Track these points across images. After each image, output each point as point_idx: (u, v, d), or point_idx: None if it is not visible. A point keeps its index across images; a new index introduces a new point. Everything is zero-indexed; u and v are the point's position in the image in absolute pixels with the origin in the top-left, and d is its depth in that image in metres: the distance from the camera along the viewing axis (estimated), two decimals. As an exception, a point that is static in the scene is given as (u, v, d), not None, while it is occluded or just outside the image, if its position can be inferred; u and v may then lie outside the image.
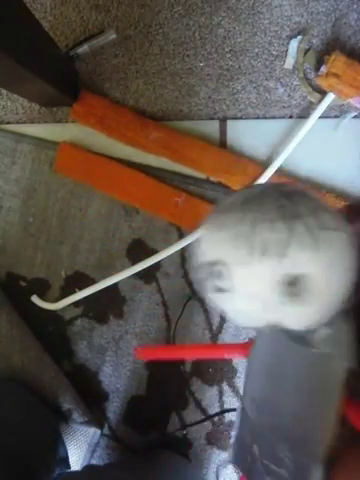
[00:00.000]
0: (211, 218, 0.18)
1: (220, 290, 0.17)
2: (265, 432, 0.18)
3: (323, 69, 0.50)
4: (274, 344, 0.18)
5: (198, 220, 0.54)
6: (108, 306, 0.58)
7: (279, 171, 0.53)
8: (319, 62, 0.52)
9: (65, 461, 0.51)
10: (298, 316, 0.16)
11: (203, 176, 0.56)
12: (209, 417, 0.54)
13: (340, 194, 0.53)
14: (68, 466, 0.52)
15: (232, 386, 0.56)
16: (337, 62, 0.49)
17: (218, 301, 0.18)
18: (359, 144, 0.53)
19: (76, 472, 0.50)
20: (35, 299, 0.58)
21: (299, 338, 0.17)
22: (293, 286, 0.15)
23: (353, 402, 0.17)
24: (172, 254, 0.55)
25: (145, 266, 0.55)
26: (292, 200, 0.16)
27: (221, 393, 0.56)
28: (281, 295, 0.16)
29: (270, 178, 0.52)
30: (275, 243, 0.15)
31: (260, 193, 0.17)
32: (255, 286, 0.16)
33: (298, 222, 0.15)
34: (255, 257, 0.15)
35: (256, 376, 0.19)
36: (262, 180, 0.52)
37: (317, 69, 0.52)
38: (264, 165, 0.53)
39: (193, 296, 0.56)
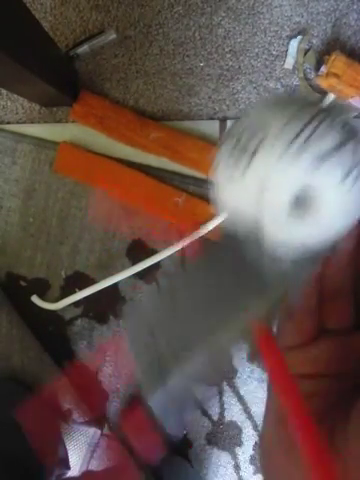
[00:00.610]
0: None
1: (237, 162, 0.15)
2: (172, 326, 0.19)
3: (323, 69, 0.50)
4: (228, 255, 0.18)
5: (198, 220, 0.54)
6: (108, 306, 0.58)
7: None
8: (319, 62, 0.52)
9: (65, 461, 0.51)
10: (286, 232, 0.15)
11: (203, 176, 0.56)
12: None
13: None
14: (68, 466, 0.52)
15: (232, 386, 0.56)
16: (337, 62, 0.49)
17: (228, 177, 0.16)
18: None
19: (75, 478, 0.50)
20: (35, 299, 0.58)
21: (259, 259, 0.17)
22: (301, 200, 0.14)
23: (266, 336, 0.18)
24: (172, 254, 0.55)
25: (145, 266, 0.55)
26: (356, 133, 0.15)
27: (221, 393, 0.56)
28: (286, 202, 0.15)
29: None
30: (318, 146, 0.14)
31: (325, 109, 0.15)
32: (271, 174, 0.15)
33: (351, 146, 0.14)
34: (293, 145, 0.14)
35: (190, 273, 0.19)
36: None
37: (317, 69, 0.52)
38: (264, 165, 0.53)
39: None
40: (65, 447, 0.52)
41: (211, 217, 0.54)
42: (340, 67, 0.49)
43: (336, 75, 0.49)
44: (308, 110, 0.15)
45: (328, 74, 0.50)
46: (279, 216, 0.15)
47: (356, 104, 0.51)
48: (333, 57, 0.49)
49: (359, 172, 0.15)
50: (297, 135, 0.14)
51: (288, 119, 0.14)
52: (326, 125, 0.14)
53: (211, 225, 0.53)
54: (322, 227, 0.15)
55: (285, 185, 0.15)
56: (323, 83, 0.50)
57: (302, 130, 0.14)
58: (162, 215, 0.56)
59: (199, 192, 0.55)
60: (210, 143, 0.54)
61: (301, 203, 0.15)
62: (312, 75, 0.53)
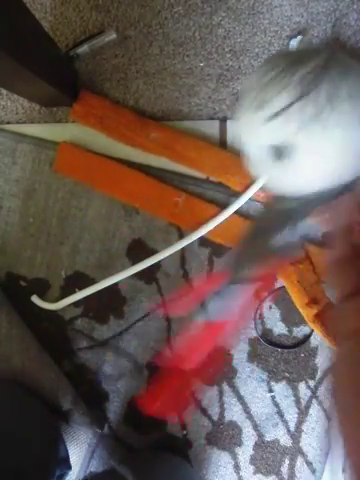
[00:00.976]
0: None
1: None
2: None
3: (323, 69, 0.50)
4: None
5: (198, 220, 0.54)
6: (108, 306, 0.58)
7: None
8: (319, 62, 0.52)
9: (66, 461, 0.51)
10: (272, 177, 0.19)
11: (203, 176, 0.56)
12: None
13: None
14: (69, 466, 0.52)
15: (232, 386, 0.56)
16: (337, 62, 0.49)
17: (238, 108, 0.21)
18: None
19: None
20: (35, 299, 0.58)
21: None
22: (280, 149, 0.17)
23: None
24: (172, 254, 0.55)
25: (145, 266, 0.55)
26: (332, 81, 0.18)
27: (221, 393, 0.56)
28: (263, 152, 0.18)
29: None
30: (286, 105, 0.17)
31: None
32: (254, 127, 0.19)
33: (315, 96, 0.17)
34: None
35: None
36: (260, 180, 0.52)
37: (317, 69, 0.53)
38: (264, 165, 0.53)
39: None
40: (66, 447, 0.52)
41: (211, 217, 0.54)
42: (340, 67, 0.49)
43: (336, 75, 0.49)
44: (284, 79, 0.18)
45: (328, 74, 0.50)
46: (261, 163, 0.19)
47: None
48: (333, 57, 0.49)
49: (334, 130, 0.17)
50: (262, 104, 0.17)
51: (263, 87, 0.18)
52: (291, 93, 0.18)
53: (211, 225, 0.53)
54: (302, 175, 0.17)
55: (258, 138, 0.18)
56: (323, 83, 0.50)
57: (271, 98, 0.17)
58: (162, 215, 0.56)
59: (199, 192, 0.55)
60: (210, 143, 0.54)
61: (280, 155, 0.17)
62: (312, 75, 0.53)
